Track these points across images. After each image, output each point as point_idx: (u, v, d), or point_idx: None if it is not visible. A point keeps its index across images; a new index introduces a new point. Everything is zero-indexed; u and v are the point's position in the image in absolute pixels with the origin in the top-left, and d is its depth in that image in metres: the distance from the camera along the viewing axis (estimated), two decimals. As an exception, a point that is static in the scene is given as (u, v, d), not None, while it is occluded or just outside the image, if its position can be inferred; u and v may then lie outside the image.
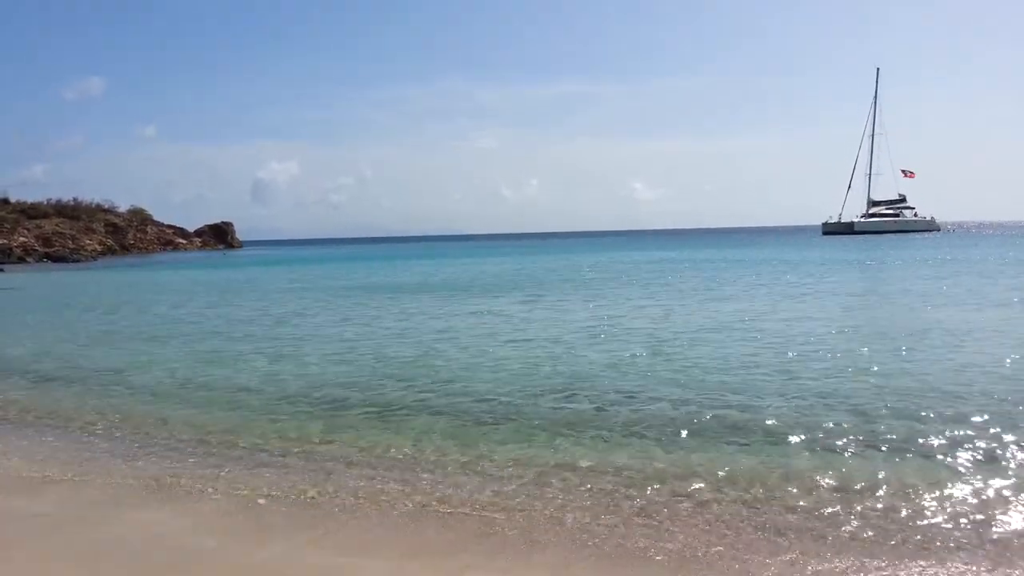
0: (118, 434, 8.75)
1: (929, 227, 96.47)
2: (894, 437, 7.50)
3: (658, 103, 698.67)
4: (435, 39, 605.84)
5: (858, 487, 6.19)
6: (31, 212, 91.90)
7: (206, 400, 10.31)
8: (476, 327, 16.97)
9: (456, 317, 19.09)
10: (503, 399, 9.62)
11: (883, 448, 7.24)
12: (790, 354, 12.29)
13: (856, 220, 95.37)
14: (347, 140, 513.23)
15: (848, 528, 5.41)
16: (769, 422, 8.13)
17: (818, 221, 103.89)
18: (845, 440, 7.44)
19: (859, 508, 5.77)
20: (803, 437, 7.56)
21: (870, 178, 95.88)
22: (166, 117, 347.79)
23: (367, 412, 9.26)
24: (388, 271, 46.83)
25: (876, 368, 10.97)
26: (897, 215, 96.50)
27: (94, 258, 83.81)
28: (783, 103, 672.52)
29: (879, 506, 5.81)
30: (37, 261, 77.43)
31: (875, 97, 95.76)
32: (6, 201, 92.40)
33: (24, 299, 30.84)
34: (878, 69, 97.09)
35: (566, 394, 9.82)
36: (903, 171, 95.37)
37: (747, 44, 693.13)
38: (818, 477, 6.43)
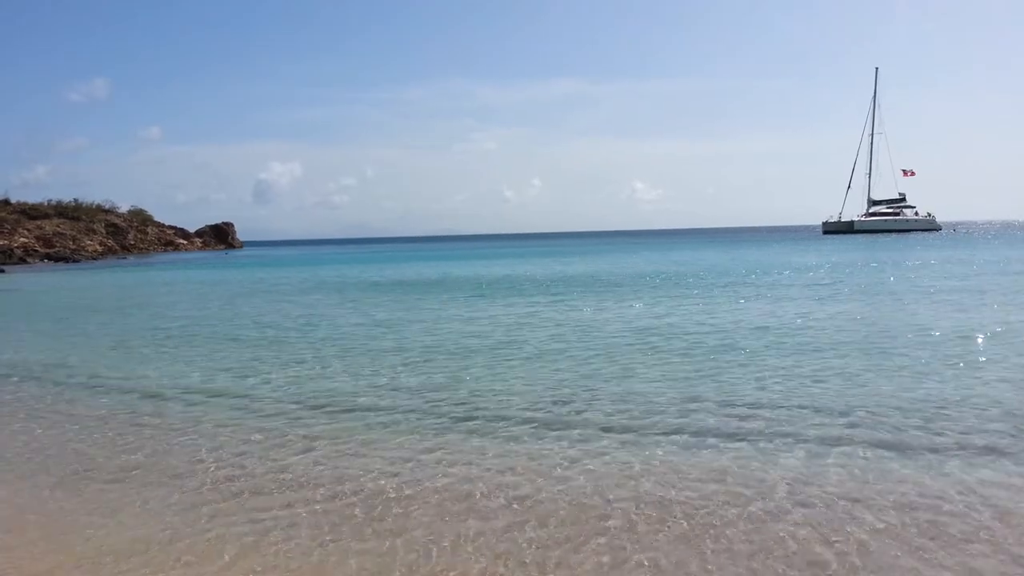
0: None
1: (929, 226, 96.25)
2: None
3: (659, 104, 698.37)
4: (436, 40, 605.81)
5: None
6: (31, 213, 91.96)
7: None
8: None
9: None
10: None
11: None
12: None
13: (856, 219, 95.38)
14: (349, 141, 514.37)
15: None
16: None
17: (816, 220, 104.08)
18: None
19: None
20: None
21: (870, 177, 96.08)
22: (170, 119, 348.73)
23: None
24: (432, 269, 45.23)
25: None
26: (897, 214, 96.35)
27: (95, 259, 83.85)
28: (783, 104, 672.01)
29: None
30: (38, 262, 77.52)
31: (874, 97, 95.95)
32: (6, 202, 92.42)
33: (36, 302, 29.94)
34: (876, 69, 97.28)
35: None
36: (903, 170, 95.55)
37: (747, 45, 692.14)
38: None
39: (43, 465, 7.64)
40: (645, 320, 17.45)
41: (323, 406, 9.75)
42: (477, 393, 10.21)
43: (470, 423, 8.67)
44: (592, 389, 10.22)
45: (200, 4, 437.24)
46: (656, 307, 20.26)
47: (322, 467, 7.23)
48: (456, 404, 9.63)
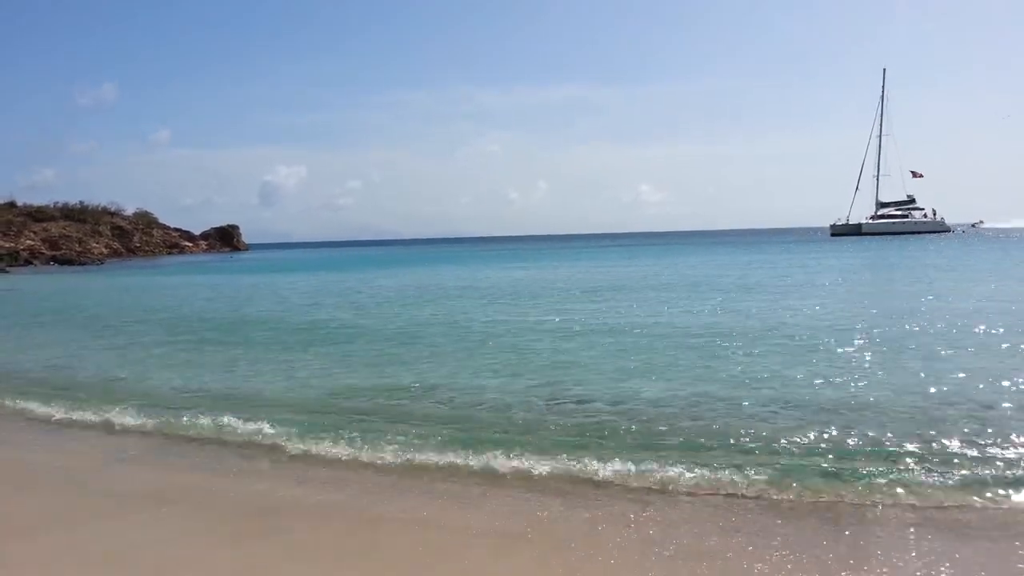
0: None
1: (939, 228, 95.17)
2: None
3: (659, 106, 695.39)
4: (437, 44, 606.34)
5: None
6: (37, 215, 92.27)
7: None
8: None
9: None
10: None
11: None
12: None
13: (864, 221, 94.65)
14: (353, 144, 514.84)
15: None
16: None
17: (817, 221, 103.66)
18: None
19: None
20: None
21: (878, 179, 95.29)
22: (175, 122, 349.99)
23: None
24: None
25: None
26: (906, 216, 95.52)
27: (100, 261, 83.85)
28: (783, 104, 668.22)
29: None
30: (43, 264, 77.59)
31: (882, 98, 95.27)
32: (12, 204, 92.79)
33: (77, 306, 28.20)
34: (884, 69, 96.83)
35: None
36: (912, 172, 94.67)
37: (747, 45, 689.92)
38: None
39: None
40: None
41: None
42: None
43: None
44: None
45: (203, 7, 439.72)
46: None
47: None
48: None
